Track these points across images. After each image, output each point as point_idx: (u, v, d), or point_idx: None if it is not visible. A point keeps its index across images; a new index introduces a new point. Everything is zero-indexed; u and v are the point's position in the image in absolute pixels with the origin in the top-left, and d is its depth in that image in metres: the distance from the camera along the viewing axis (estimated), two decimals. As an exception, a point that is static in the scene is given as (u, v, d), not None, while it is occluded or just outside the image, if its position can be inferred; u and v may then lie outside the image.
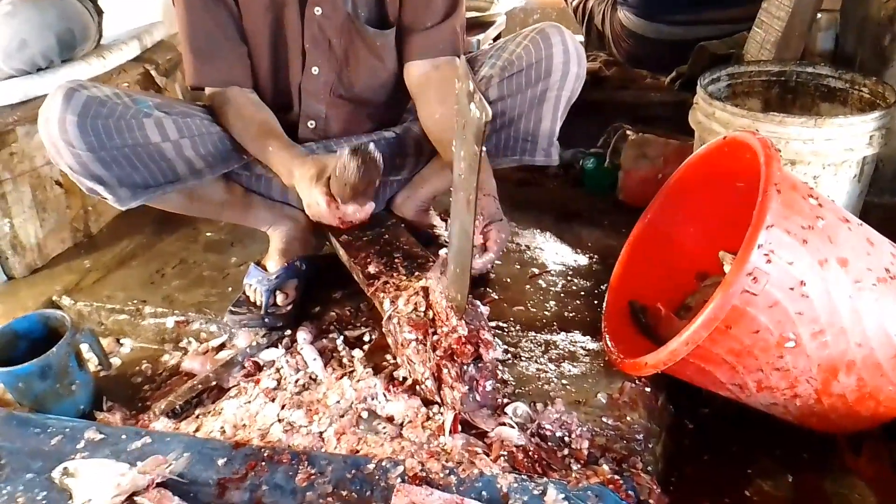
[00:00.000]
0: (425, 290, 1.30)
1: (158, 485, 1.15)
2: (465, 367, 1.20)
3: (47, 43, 1.80)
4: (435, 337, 1.23)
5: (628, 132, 2.04)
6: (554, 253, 1.78)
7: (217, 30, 1.45)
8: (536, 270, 1.70)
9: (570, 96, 1.51)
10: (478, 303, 1.29)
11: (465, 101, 0.97)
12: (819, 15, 1.93)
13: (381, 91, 1.58)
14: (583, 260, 1.75)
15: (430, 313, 1.26)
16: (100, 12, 2.07)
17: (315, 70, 1.50)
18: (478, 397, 1.22)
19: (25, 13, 1.76)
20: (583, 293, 1.61)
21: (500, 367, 1.36)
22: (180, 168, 1.44)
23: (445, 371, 1.21)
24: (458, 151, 1.05)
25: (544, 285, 1.65)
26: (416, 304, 1.29)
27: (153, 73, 2.16)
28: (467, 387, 1.20)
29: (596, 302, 1.56)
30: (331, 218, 1.35)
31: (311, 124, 1.58)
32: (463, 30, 1.55)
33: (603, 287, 1.59)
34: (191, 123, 1.44)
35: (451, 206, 1.15)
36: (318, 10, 1.44)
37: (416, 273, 1.43)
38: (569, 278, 1.67)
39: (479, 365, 1.21)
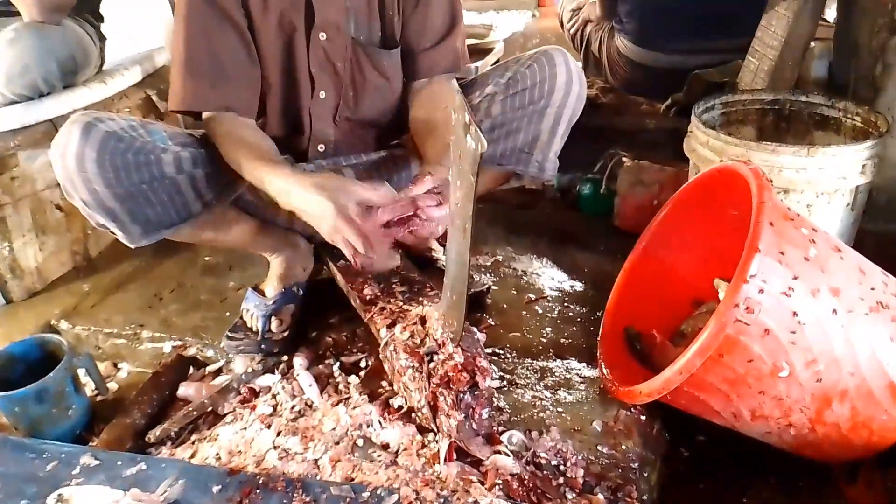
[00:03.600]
0: (422, 317, 1.30)
1: (153, 512, 1.15)
2: (461, 394, 1.20)
3: (49, 68, 1.82)
4: (431, 364, 1.24)
5: (624, 158, 2.06)
6: (550, 278, 1.79)
7: (223, 52, 1.40)
8: (533, 296, 1.70)
9: (572, 116, 1.54)
10: (474, 329, 1.30)
11: (461, 133, 0.98)
12: (812, 43, 1.95)
13: (388, 111, 1.61)
14: (579, 286, 1.76)
15: (428, 340, 1.27)
16: (102, 38, 2.09)
17: (322, 94, 1.51)
18: (474, 425, 1.22)
19: (28, 39, 1.78)
20: (579, 319, 1.62)
21: (496, 395, 1.36)
22: (192, 204, 1.41)
23: (441, 399, 1.22)
24: (455, 181, 1.06)
25: (540, 311, 1.65)
26: (413, 331, 1.29)
27: (154, 98, 2.18)
28: (463, 414, 1.20)
29: (592, 328, 1.57)
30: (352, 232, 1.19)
31: (321, 148, 1.59)
32: (463, 45, 1.59)
33: (599, 313, 1.59)
34: (205, 154, 1.42)
35: (448, 233, 1.16)
36: (322, 36, 1.45)
37: (413, 300, 1.43)
38: (565, 304, 1.68)
39: (476, 393, 1.21)
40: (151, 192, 1.34)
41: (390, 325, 1.35)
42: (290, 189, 1.23)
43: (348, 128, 1.59)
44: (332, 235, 1.21)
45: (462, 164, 1.00)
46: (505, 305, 1.67)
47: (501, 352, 1.51)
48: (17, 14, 1.87)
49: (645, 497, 1.20)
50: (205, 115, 1.44)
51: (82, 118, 1.29)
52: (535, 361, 1.48)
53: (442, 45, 1.56)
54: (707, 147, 1.59)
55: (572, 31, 2.83)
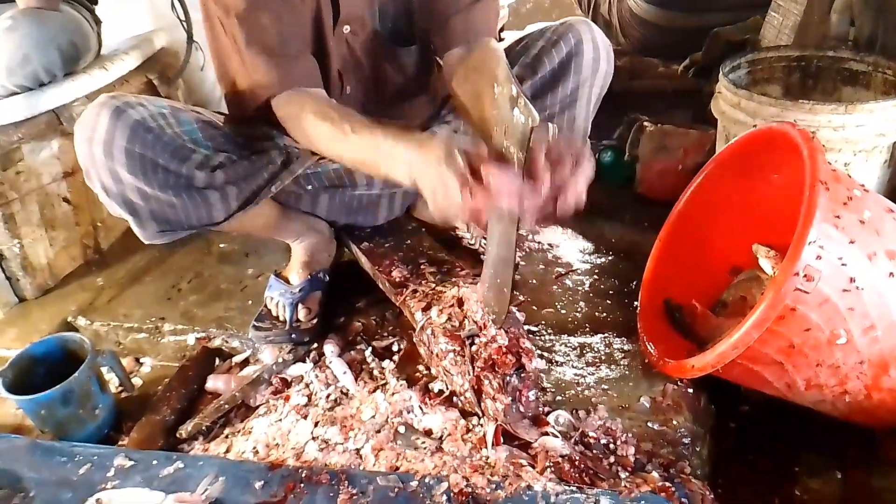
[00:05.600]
0: (459, 299, 1.26)
1: (196, 512, 1.11)
2: (507, 377, 1.17)
3: (50, 57, 1.74)
4: (473, 347, 1.20)
5: (646, 124, 2.00)
6: (578, 251, 1.75)
7: (285, 22, 1.26)
8: (562, 270, 1.66)
9: (600, 93, 1.47)
10: (513, 309, 1.26)
11: (506, 106, 0.93)
12: (833, -4, 1.89)
13: (410, 107, 1.51)
14: (608, 257, 1.71)
15: (467, 323, 1.23)
16: (98, 22, 2.01)
17: (348, 89, 1.43)
18: (521, 408, 1.18)
19: (26, 27, 1.70)
20: (611, 292, 1.58)
21: (540, 375, 1.32)
22: (217, 212, 1.36)
23: (486, 382, 1.18)
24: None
25: (571, 285, 1.61)
26: (450, 314, 1.25)
27: (156, 82, 2.11)
28: (510, 398, 1.17)
29: (626, 301, 1.53)
30: (463, 205, 0.96)
31: None
32: (496, 17, 1.44)
33: (632, 285, 1.55)
34: (238, 168, 1.36)
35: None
36: (346, 29, 1.35)
37: (446, 281, 1.39)
38: (596, 277, 1.64)
39: (522, 375, 1.18)
40: (177, 199, 1.29)
41: (426, 308, 1.32)
42: (413, 160, 1.04)
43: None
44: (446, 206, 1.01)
45: (509, 140, 0.95)
46: (534, 281, 1.63)
47: (537, 329, 1.47)
48: (13, 0, 1.79)
49: (699, 472, 1.17)
50: (278, 99, 1.29)
51: (112, 101, 1.22)
52: (572, 338, 1.44)
53: (477, 6, 1.37)
54: (738, 108, 1.53)
55: (579, -7, 2.75)
